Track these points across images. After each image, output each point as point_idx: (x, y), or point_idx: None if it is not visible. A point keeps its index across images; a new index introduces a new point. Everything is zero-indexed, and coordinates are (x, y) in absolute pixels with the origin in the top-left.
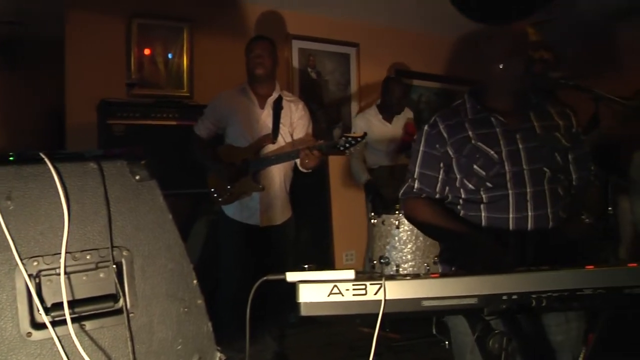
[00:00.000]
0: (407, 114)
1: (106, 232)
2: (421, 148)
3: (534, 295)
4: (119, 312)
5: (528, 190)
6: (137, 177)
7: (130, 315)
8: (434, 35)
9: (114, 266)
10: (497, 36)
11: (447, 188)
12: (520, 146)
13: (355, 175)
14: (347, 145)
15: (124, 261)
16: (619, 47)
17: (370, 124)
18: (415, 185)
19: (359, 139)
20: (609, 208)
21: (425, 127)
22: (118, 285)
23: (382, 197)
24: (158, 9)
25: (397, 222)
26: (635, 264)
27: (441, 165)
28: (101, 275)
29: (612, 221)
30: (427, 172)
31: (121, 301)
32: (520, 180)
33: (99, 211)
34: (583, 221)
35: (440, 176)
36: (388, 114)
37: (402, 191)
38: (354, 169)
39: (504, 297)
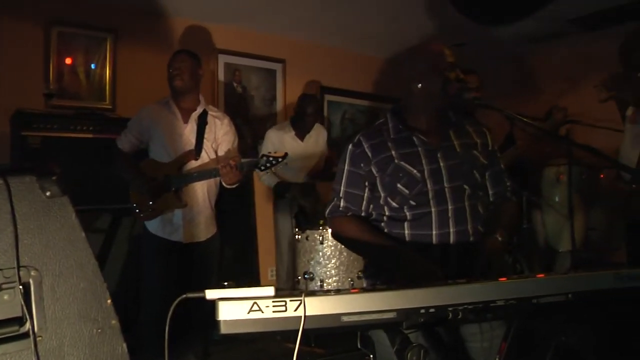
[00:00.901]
0: (319, 131)
1: (12, 251)
2: (346, 167)
3: (450, 308)
4: (25, 336)
5: (449, 207)
6: (48, 193)
7: (38, 338)
8: (361, 53)
9: (21, 287)
10: (417, 56)
11: (371, 206)
12: (442, 164)
13: (265, 182)
14: (268, 164)
15: (31, 281)
16: (533, 70)
17: (283, 139)
18: (341, 204)
19: (279, 159)
20: (524, 223)
21: (350, 147)
22: (24, 308)
23: (305, 213)
24: (80, 18)
25: (320, 238)
26: (542, 275)
27: (366, 183)
28: (5, 297)
29: (526, 235)
30: (352, 191)
31: (27, 324)
32: (442, 198)
33: (4, 229)
34: (498, 237)
35: (366, 194)
36: (300, 130)
37: (328, 210)
38: (262, 178)
39: (422, 311)
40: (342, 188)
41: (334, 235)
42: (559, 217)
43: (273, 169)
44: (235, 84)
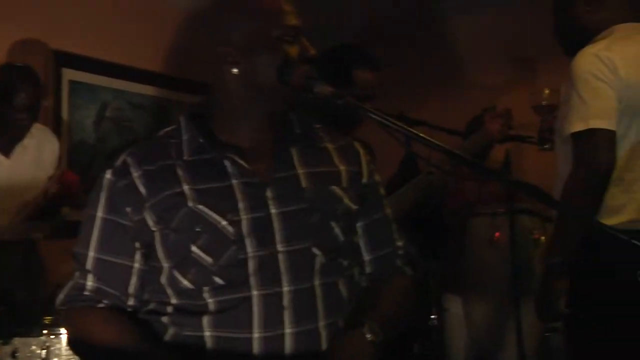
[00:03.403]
0: (42, 137)
1: None
2: (99, 213)
3: None
4: None
5: (285, 289)
6: None
7: None
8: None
9: None
10: (226, 11)
11: (145, 287)
12: (273, 211)
13: None
14: None
15: None
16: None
17: None
18: (89, 284)
19: None
20: (432, 315)
21: (107, 175)
22: None
23: (14, 304)
24: None
25: (44, 353)
26: None
27: (136, 244)
28: None
29: (434, 337)
30: (109, 258)
31: None
32: (271, 273)
33: None
34: (368, 337)
35: (135, 265)
36: (4, 140)
37: (62, 296)
38: None
39: None
40: (90, 253)
41: (72, 343)
42: (494, 307)
43: None
44: None
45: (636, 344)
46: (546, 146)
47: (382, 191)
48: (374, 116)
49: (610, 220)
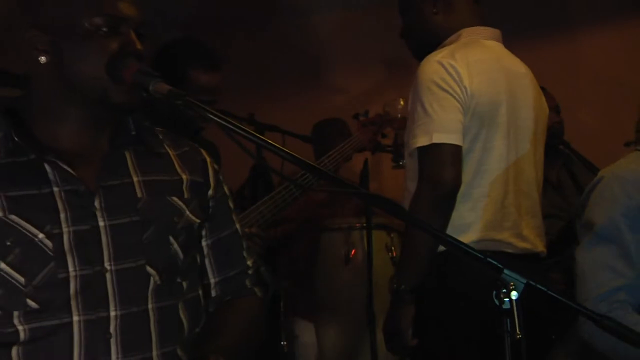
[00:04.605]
0: None
1: None
2: None
3: None
4: None
5: (112, 313)
6: None
7: None
8: None
9: None
10: None
11: None
12: (101, 223)
13: None
14: None
15: None
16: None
17: None
18: None
19: None
20: (282, 341)
21: None
22: None
23: None
24: None
25: None
26: None
27: None
28: None
29: None
30: None
31: None
32: (97, 294)
33: None
34: None
35: None
36: None
37: None
38: None
39: None
40: None
41: None
42: (348, 332)
43: None
44: None
45: None
46: (401, 162)
47: (231, 204)
48: (216, 120)
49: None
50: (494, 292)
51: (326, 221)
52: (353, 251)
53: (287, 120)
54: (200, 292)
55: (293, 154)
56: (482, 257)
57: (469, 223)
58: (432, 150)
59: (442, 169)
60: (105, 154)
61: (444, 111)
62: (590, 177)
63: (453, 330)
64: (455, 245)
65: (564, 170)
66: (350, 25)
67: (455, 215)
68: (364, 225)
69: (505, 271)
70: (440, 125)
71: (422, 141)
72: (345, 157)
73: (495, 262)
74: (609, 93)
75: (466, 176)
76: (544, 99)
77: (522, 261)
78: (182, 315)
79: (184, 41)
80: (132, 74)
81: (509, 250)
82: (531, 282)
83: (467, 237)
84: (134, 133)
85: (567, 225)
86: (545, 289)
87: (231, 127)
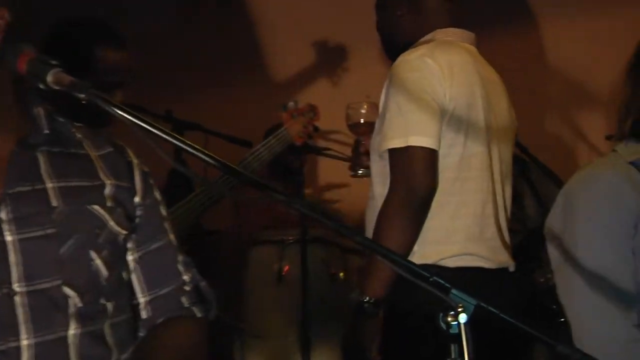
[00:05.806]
0: None
1: None
2: None
3: None
4: None
5: (24, 342)
6: None
7: None
8: None
9: None
10: None
11: None
12: (9, 238)
13: None
14: None
15: None
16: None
17: None
18: None
19: None
20: None
21: None
22: None
23: None
24: None
25: None
26: None
27: None
28: None
29: None
30: None
31: None
32: (6, 321)
33: None
34: None
35: None
36: None
37: None
38: None
39: None
40: None
41: None
42: (286, 354)
43: None
44: None
45: None
46: (360, 172)
47: (163, 212)
48: (126, 117)
49: (436, 252)
50: (440, 315)
51: (256, 233)
52: (286, 268)
53: (210, 118)
54: (130, 314)
55: (217, 157)
56: (427, 275)
57: (447, 234)
58: (407, 154)
59: (417, 173)
60: (12, 156)
61: (421, 112)
62: (551, 186)
63: (415, 350)
64: (399, 262)
65: (522, 178)
66: (289, 6)
67: (433, 224)
68: (298, 238)
69: (453, 291)
70: (416, 127)
71: (395, 143)
72: (272, 153)
73: (442, 282)
74: (573, 90)
75: (444, 183)
76: (513, 110)
77: (495, 278)
78: (108, 342)
79: (84, 19)
80: (27, 63)
81: (487, 266)
82: (482, 304)
83: (447, 250)
84: (47, 132)
85: (526, 238)
86: (498, 312)
87: (145, 125)
